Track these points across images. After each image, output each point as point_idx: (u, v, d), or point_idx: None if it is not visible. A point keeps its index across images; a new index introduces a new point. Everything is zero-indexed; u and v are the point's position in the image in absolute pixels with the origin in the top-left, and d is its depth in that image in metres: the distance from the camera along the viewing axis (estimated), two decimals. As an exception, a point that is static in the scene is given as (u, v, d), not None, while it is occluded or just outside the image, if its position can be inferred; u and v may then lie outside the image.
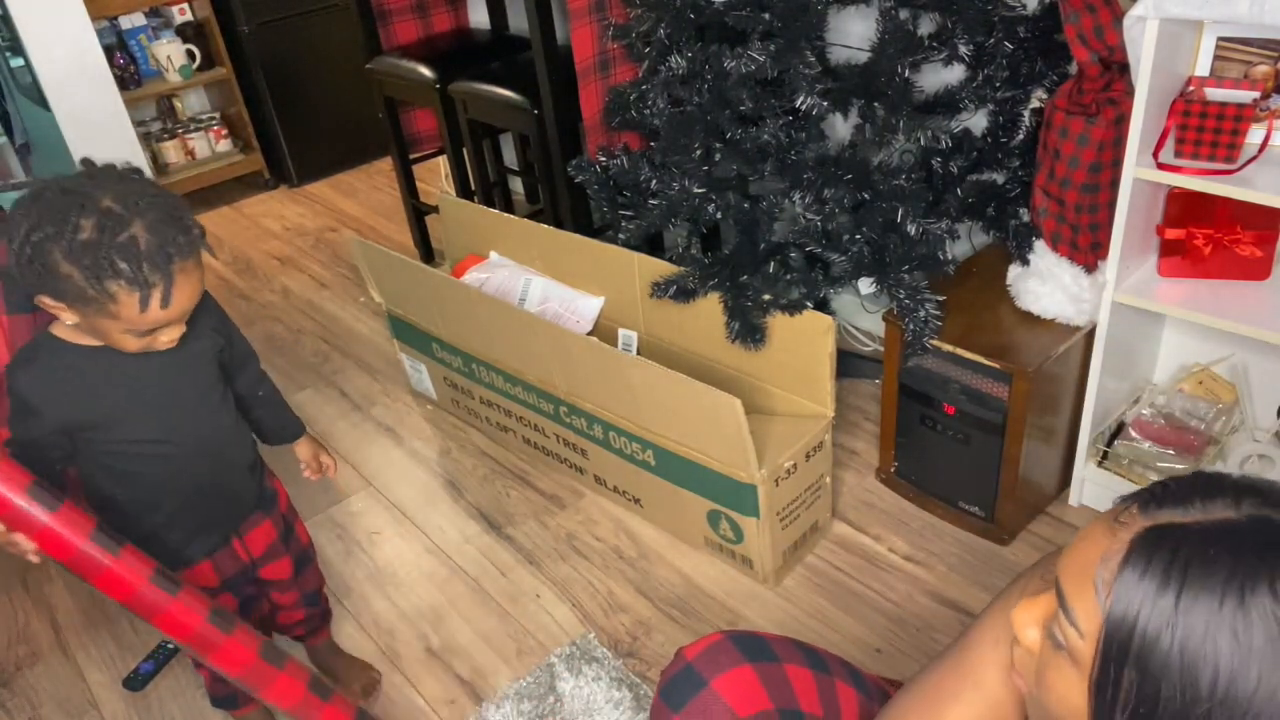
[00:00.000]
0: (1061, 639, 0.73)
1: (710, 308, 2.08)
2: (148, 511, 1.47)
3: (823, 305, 2.24)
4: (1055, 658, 0.74)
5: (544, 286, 2.45)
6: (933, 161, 2.02)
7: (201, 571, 1.55)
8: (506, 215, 2.57)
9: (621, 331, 2.36)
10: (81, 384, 1.36)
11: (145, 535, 1.44)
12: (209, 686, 1.73)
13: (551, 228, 2.49)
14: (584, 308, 2.39)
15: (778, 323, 1.98)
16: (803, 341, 1.94)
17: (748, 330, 2.01)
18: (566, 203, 2.58)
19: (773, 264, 2.09)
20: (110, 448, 1.41)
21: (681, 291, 2.14)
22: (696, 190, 2.07)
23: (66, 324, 1.31)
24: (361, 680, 1.86)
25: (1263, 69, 1.65)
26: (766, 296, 2.00)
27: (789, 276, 2.07)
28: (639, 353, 2.36)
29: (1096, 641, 0.69)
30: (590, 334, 2.37)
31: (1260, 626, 0.62)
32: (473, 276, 2.52)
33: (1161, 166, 1.65)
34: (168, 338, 1.32)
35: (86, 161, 1.34)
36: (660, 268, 2.17)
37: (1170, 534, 0.67)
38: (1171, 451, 1.94)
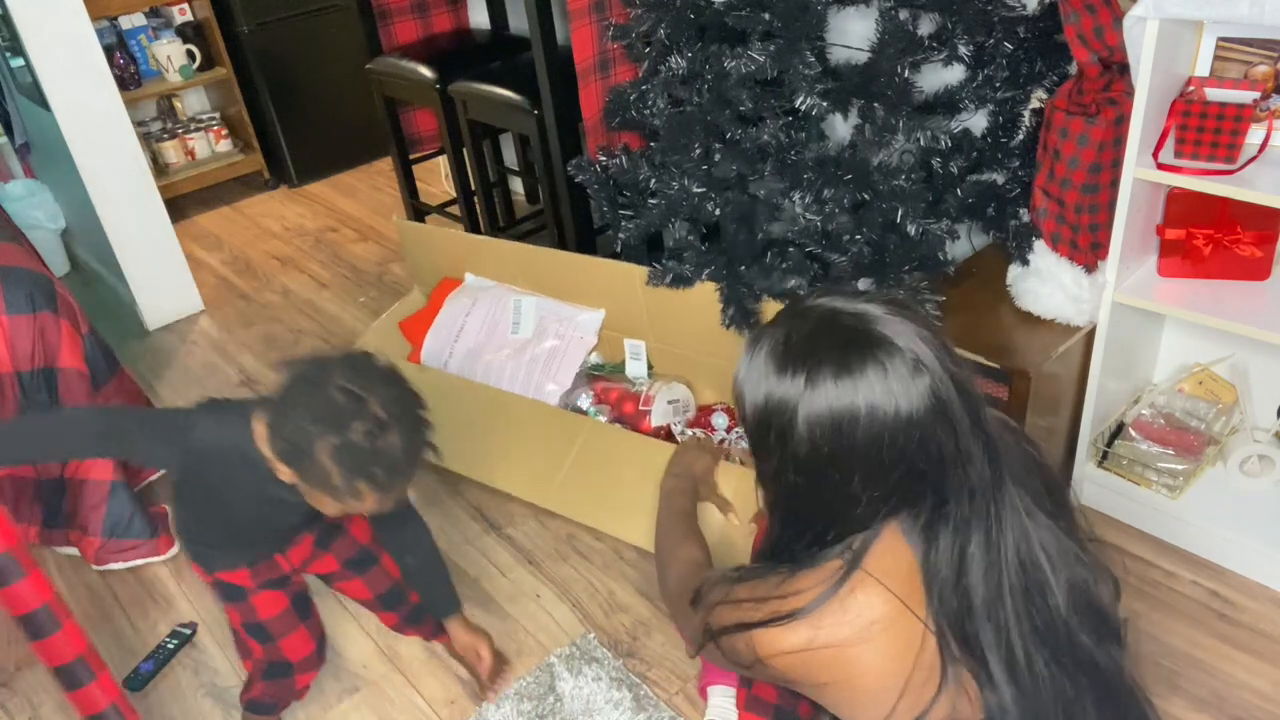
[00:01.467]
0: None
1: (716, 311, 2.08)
2: (206, 530, 1.58)
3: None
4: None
5: (537, 305, 2.39)
6: (933, 162, 2.02)
7: (239, 575, 1.59)
8: (475, 236, 2.52)
9: (628, 342, 2.34)
10: (230, 478, 1.45)
11: (194, 538, 1.59)
12: (256, 694, 1.72)
13: (530, 245, 2.45)
14: (585, 322, 2.35)
15: None
16: None
17: (741, 315, 2.02)
18: (566, 202, 2.58)
19: (769, 255, 2.09)
20: (201, 497, 1.52)
21: (678, 278, 2.13)
22: (696, 190, 2.07)
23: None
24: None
25: (1262, 69, 1.65)
26: (759, 286, 2.01)
27: (784, 265, 2.07)
28: (649, 361, 2.34)
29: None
30: (595, 347, 2.37)
31: (763, 360, 1.01)
32: (455, 305, 2.46)
33: (1161, 167, 1.65)
34: (339, 511, 1.41)
35: (362, 355, 1.44)
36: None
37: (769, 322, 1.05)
38: (1171, 451, 1.94)
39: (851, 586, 1.00)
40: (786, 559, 1.06)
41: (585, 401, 2.28)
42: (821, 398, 0.95)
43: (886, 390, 0.94)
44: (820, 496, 1.01)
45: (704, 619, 1.15)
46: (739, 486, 1.81)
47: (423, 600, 1.74)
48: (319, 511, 1.45)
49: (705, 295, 2.10)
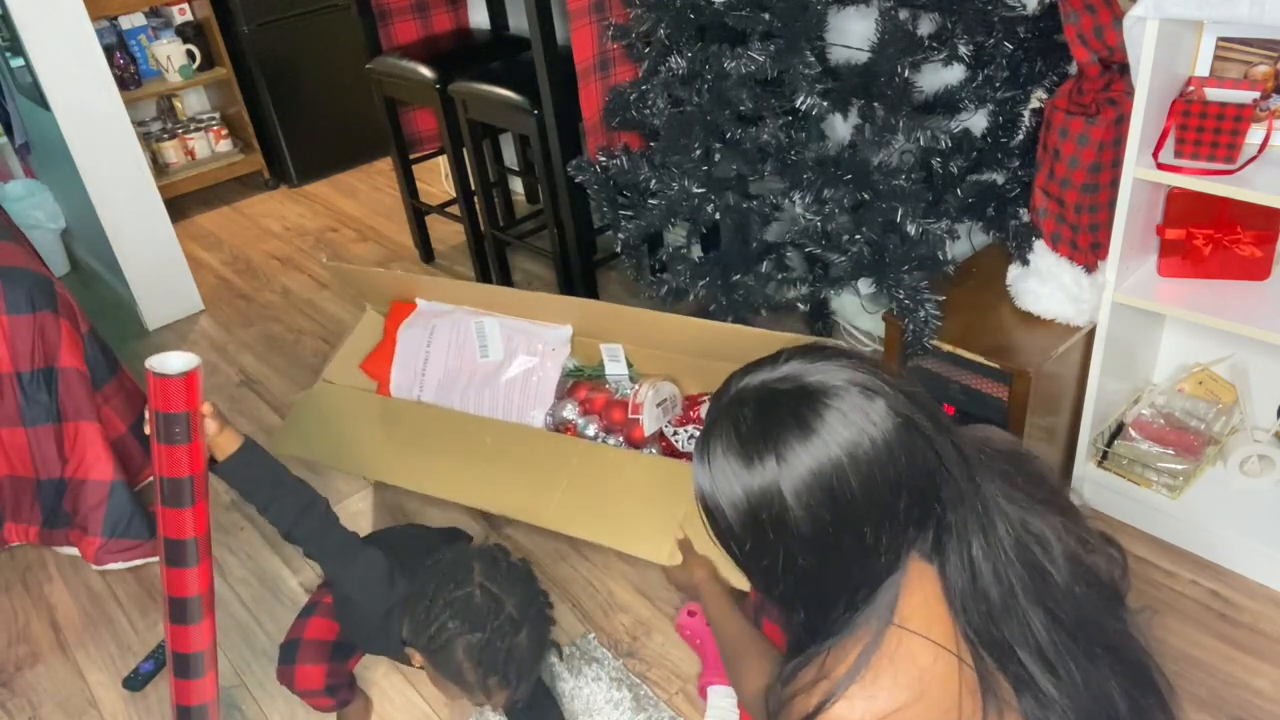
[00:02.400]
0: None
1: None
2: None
3: (822, 306, 2.24)
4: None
5: (500, 325, 2.31)
6: (932, 161, 2.02)
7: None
8: (413, 276, 2.43)
9: (604, 346, 2.30)
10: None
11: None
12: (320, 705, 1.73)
13: (475, 283, 2.39)
14: (554, 337, 2.27)
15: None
16: None
17: (739, 324, 2.02)
18: (566, 203, 2.58)
19: (765, 263, 2.09)
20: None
21: (674, 291, 2.14)
22: (696, 190, 2.07)
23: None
24: None
25: (1262, 69, 1.65)
26: (756, 298, 2.02)
27: (780, 276, 2.07)
28: (630, 363, 2.31)
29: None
30: (570, 355, 2.28)
31: (722, 460, 0.97)
32: (413, 334, 2.37)
33: (1161, 167, 1.65)
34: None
35: (499, 550, 1.56)
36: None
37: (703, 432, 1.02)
38: (1171, 451, 1.94)
39: (894, 642, 0.98)
40: (822, 637, 1.02)
41: (572, 412, 2.20)
42: (800, 466, 0.93)
43: (852, 427, 0.93)
44: (840, 565, 0.98)
45: None
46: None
47: None
48: None
49: (678, 322, 2.08)
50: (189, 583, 1.43)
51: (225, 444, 1.41)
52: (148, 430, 1.35)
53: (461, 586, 1.44)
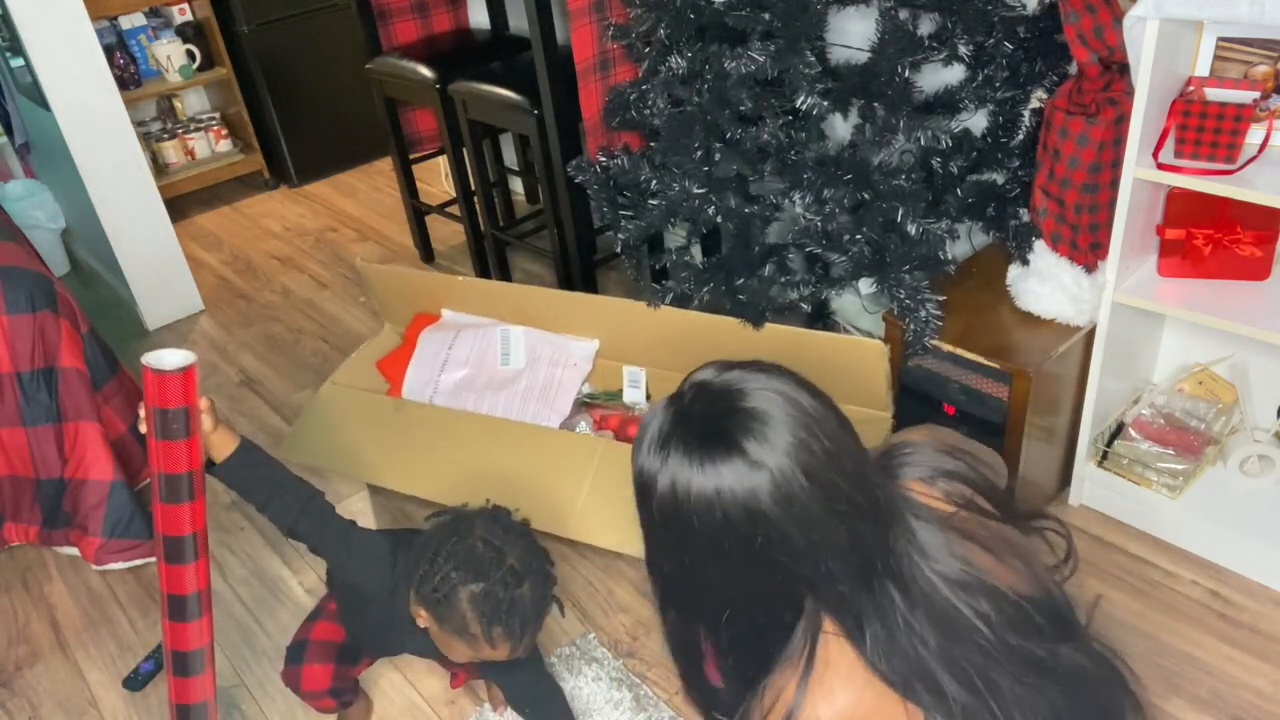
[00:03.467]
0: None
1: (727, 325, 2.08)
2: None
3: (823, 306, 2.24)
4: None
5: (526, 334, 2.34)
6: (933, 161, 2.02)
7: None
8: (455, 277, 2.44)
9: (627, 369, 2.29)
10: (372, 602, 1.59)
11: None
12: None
13: (513, 284, 2.39)
14: (579, 350, 2.29)
15: (826, 345, 2.00)
16: (855, 365, 1.96)
17: (755, 323, 2.04)
18: (566, 203, 2.58)
19: (769, 266, 2.09)
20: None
21: (678, 297, 2.14)
22: (696, 190, 2.07)
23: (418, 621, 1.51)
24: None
25: (1262, 69, 1.65)
26: (761, 302, 2.01)
27: (783, 279, 2.07)
28: (648, 388, 2.31)
29: None
30: (590, 375, 2.30)
31: (644, 441, 1.02)
32: (435, 339, 2.39)
33: (1161, 167, 1.65)
34: (460, 658, 1.52)
35: (500, 510, 1.57)
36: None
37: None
38: (1171, 451, 1.94)
39: (828, 647, 1.01)
40: (754, 670, 1.07)
41: (585, 428, 2.22)
42: (713, 481, 0.96)
43: (753, 476, 0.95)
44: (747, 599, 1.04)
45: None
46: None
47: None
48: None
49: (707, 321, 2.12)
50: (187, 580, 1.42)
51: (220, 443, 1.41)
52: (143, 429, 1.34)
53: (464, 539, 1.46)
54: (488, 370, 2.30)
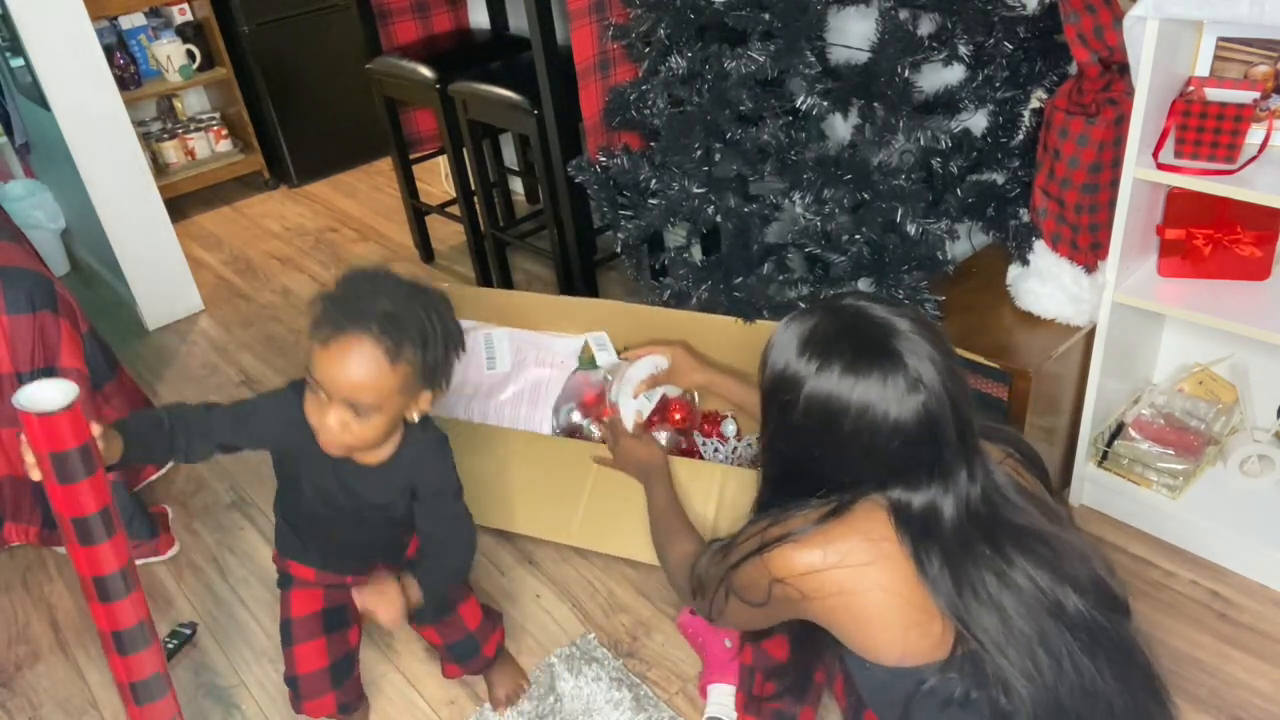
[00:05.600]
0: None
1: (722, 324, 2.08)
2: (293, 518, 1.61)
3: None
4: None
5: (510, 336, 2.31)
6: (932, 161, 2.02)
7: (304, 570, 1.64)
8: (443, 285, 2.43)
9: (590, 336, 2.29)
10: (288, 433, 1.45)
11: (286, 519, 1.62)
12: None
13: (506, 291, 2.36)
14: (563, 349, 2.27)
15: None
16: None
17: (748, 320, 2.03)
18: (566, 203, 2.58)
19: (767, 265, 2.09)
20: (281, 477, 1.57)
21: (676, 295, 2.14)
22: (696, 190, 2.07)
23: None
24: (507, 686, 1.82)
25: (1262, 69, 1.65)
26: (758, 300, 2.01)
27: (781, 278, 2.07)
28: (619, 350, 2.28)
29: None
30: (575, 372, 2.25)
31: (797, 340, 1.13)
32: None
33: (1161, 167, 1.65)
34: (333, 419, 1.33)
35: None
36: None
37: (807, 307, 1.18)
38: (1171, 451, 1.94)
39: (854, 514, 1.13)
40: (775, 507, 1.21)
41: (577, 415, 2.19)
42: (824, 384, 1.09)
43: (881, 396, 1.07)
44: (806, 466, 1.17)
45: (713, 571, 1.29)
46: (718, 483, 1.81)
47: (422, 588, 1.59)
48: (392, 529, 1.51)
49: (704, 322, 2.12)
50: (123, 614, 1.35)
51: (109, 449, 1.27)
52: (35, 475, 1.19)
53: (377, 279, 1.37)
54: (474, 377, 2.28)
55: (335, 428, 1.34)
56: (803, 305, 1.19)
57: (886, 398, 1.07)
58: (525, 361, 2.26)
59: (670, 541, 1.64)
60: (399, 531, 1.62)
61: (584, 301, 2.41)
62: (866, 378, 1.07)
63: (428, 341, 1.36)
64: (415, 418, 1.43)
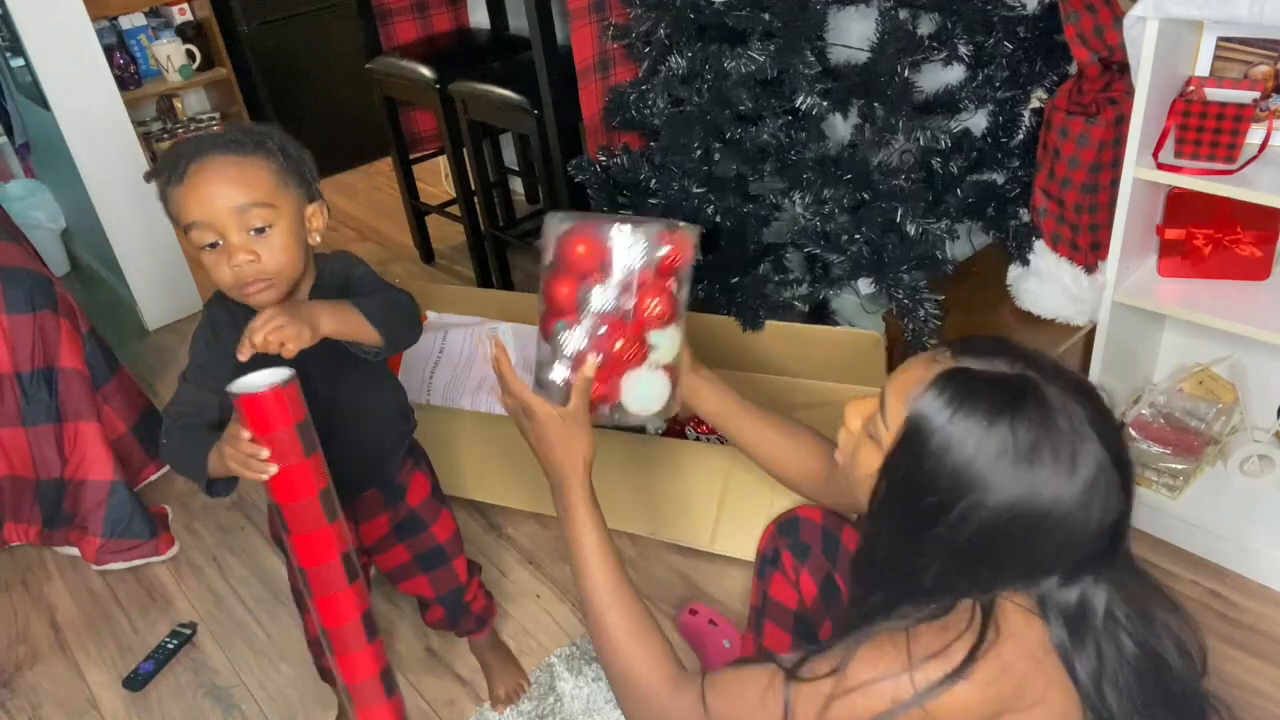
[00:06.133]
0: (874, 430, 1.03)
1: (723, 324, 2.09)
2: None
3: (823, 306, 2.24)
4: (868, 442, 1.05)
5: (515, 332, 2.32)
6: (932, 161, 2.02)
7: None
8: (443, 286, 2.47)
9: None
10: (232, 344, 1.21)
11: None
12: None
13: (490, 290, 2.39)
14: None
15: (822, 339, 2.00)
16: (851, 357, 1.96)
17: (748, 323, 2.03)
18: (566, 203, 2.58)
19: (764, 265, 2.09)
20: None
21: None
22: (696, 190, 2.07)
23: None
24: (507, 685, 1.82)
25: (1262, 69, 1.65)
26: (755, 300, 2.02)
27: (777, 279, 2.07)
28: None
29: (896, 435, 0.98)
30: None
31: (993, 443, 0.91)
32: (425, 336, 2.34)
33: (1161, 167, 1.65)
34: (238, 254, 1.21)
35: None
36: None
37: (964, 374, 0.96)
38: (1171, 451, 1.94)
39: (1008, 625, 0.95)
40: (881, 619, 0.98)
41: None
42: (1018, 488, 0.91)
43: (1086, 489, 0.92)
44: (955, 576, 0.96)
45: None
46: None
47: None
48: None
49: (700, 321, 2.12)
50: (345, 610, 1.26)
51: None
52: (262, 475, 1.13)
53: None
54: (478, 370, 2.30)
55: (244, 261, 1.21)
56: (953, 377, 0.96)
57: (1090, 489, 0.91)
58: (530, 358, 2.28)
59: (623, 638, 1.16)
60: (385, 427, 1.52)
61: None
62: (1065, 479, 0.91)
63: (269, 139, 1.27)
64: (318, 238, 1.32)
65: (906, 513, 0.97)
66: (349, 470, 1.36)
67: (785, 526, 1.46)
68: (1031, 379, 0.94)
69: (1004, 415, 0.92)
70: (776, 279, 2.09)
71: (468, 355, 2.35)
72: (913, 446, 0.96)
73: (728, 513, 1.97)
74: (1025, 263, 1.95)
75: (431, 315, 2.48)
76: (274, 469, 1.13)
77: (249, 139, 1.26)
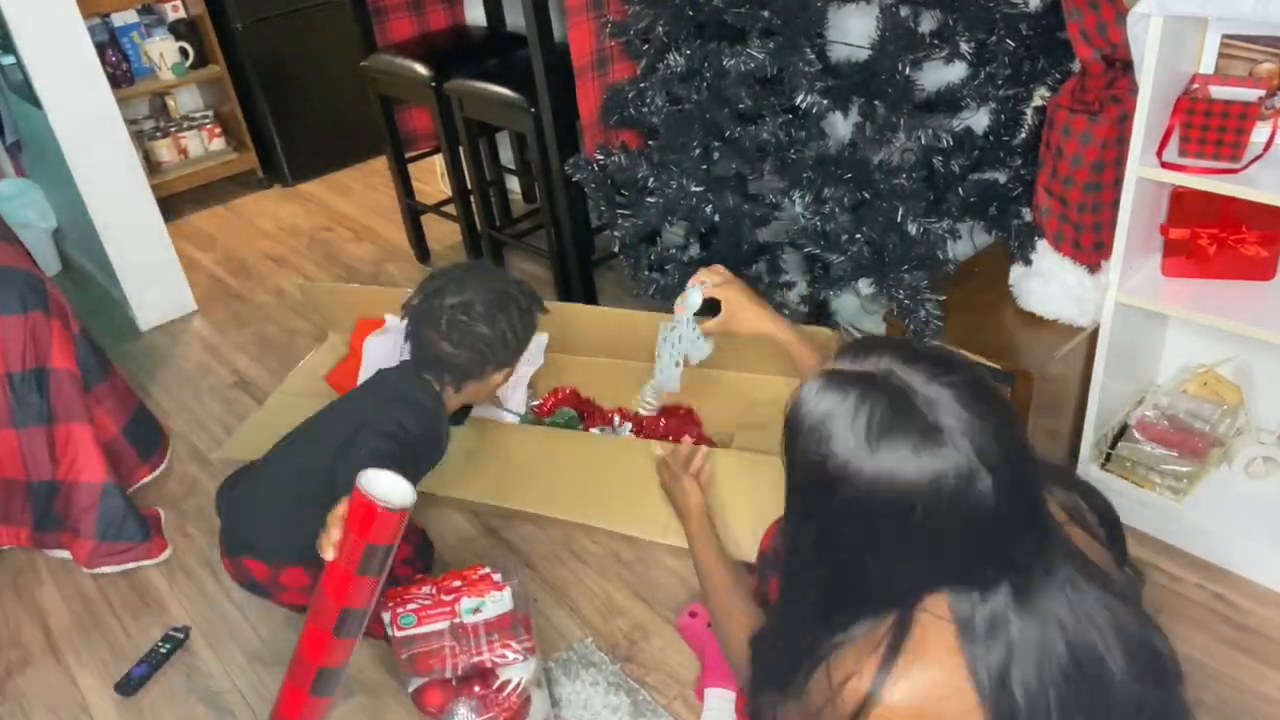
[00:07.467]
0: None
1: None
2: None
3: (823, 306, 2.23)
4: None
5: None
6: (934, 160, 2.01)
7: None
8: (383, 289, 2.53)
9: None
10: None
11: None
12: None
13: None
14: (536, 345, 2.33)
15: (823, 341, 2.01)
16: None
17: None
18: (564, 202, 2.56)
19: (758, 265, 2.08)
20: None
21: (661, 290, 2.13)
22: (695, 189, 2.06)
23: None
24: None
25: (1268, 66, 1.63)
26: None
27: (770, 279, 2.06)
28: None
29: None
30: (541, 368, 2.36)
31: (843, 423, 0.96)
32: (380, 343, 2.40)
33: (1165, 165, 1.64)
34: None
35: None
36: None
37: (837, 374, 1.00)
38: (1176, 453, 1.93)
39: (922, 631, 0.99)
40: (831, 628, 1.04)
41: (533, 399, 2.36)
42: (890, 467, 0.94)
43: (955, 473, 0.93)
44: (862, 573, 1.01)
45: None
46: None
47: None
48: None
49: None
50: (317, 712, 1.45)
51: None
52: (329, 554, 1.29)
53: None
54: None
55: None
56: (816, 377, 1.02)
57: (959, 474, 0.93)
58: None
59: (723, 620, 1.49)
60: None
61: (580, 308, 2.44)
62: (930, 459, 0.93)
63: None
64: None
65: (793, 505, 1.06)
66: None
67: None
68: (890, 369, 0.99)
69: (852, 398, 0.97)
70: (769, 279, 2.08)
71: None
72: (787, 434, 1.04)
73: (727, 515, 1.95)
74: (1028, 262, 1.93)
75: (390, 318, 2.48)
76: (331, 554, 1.28)
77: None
